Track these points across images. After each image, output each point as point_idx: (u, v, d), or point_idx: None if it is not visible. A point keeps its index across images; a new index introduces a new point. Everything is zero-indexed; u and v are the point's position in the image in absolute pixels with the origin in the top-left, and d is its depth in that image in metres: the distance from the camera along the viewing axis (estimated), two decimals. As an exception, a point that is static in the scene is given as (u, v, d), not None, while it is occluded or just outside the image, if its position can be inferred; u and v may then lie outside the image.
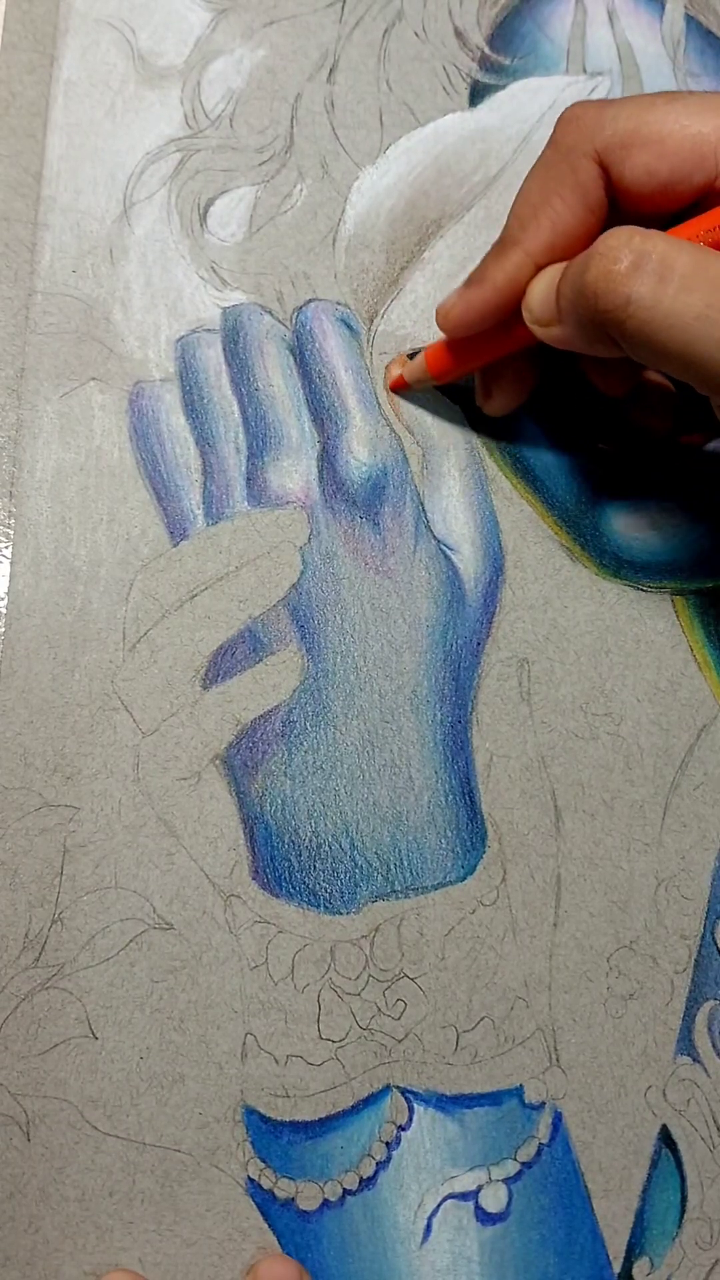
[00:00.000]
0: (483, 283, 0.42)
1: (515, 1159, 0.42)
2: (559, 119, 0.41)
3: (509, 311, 0.42)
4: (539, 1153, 0.42)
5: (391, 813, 0.44)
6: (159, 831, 0.43)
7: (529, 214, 0.41)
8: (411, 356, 0.48)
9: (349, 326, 0.48)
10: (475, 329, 0.43)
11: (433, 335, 0.48)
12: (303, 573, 0.45)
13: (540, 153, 0.41)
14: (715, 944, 0.45)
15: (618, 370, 0.45)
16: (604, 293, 0.37)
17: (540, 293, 0.41)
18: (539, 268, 0.41)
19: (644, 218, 0.40)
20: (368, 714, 0.44)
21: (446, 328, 0.44)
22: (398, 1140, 0.42)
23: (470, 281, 0.43)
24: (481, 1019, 0.43)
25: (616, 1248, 0.42)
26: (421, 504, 0.46)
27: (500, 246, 0.42)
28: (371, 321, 0.48)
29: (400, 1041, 0.42)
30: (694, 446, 0.48)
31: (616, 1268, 0.42)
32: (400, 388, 0.47)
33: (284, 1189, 0.41)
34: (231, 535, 0.45)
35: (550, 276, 0.41)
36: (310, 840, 0.43)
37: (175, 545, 0.45)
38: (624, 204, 0.40)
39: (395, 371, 0.47)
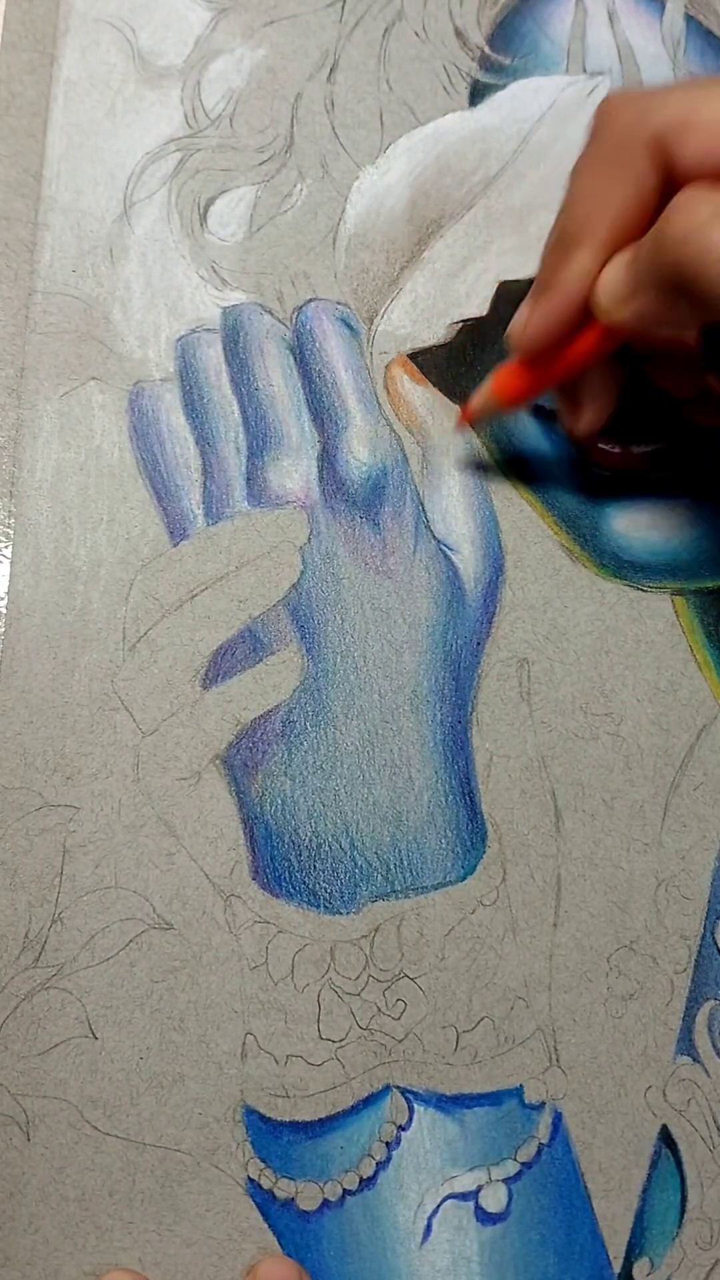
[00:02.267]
0: (553, 288, 0.41)
1: (515, 1159, 0.42)
2: (598, 111, 0.40)
3: (577, 313, 0.41)
4: (539, 1153, 0.42)
5: (391, 813, 0.44)
6: (159, 831, 0.43)
7: (587, 211, 0.40)
8: (411, 357, 0.48)
9: (349, 326, 0.48)
10: (554, 339, 0.42)
11: (433, 335, 0.48)
12: (303, 573, 0.45)
13: (585, 148, 0.40)
14: (715, 944, 0.45)
15: (688, 369, 0.44)
16: (685, 242, 0.36)
17: (611, 276, 0.40)
18: (599, 265, 0.40)
19: None
20: (368, 714, 0.44)
21: (524, 344, 0.42)
22: (398, 1140, 0.42)
23: (538, 291, 0.42)
24: (481, 1019, 0.43)
25: (616, 1248, 0.42)
26: (421, 504, 0.46)
27: (563, 248, 0.41)
28: (371, 321, 0.48)
29: (400, 1042, 0.42)
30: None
31: (616, 1268, 0.42)
32: (470, 420, 0.47)
33: (284, 1189, 0.41)
34: (231, 535, 0.45)
35: (619, 262, 0.40)
36: (310, 840, 0.43)
37: (175, 545, 0.45)
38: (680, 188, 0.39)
39: (396, 371, 0.47)
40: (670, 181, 0.39)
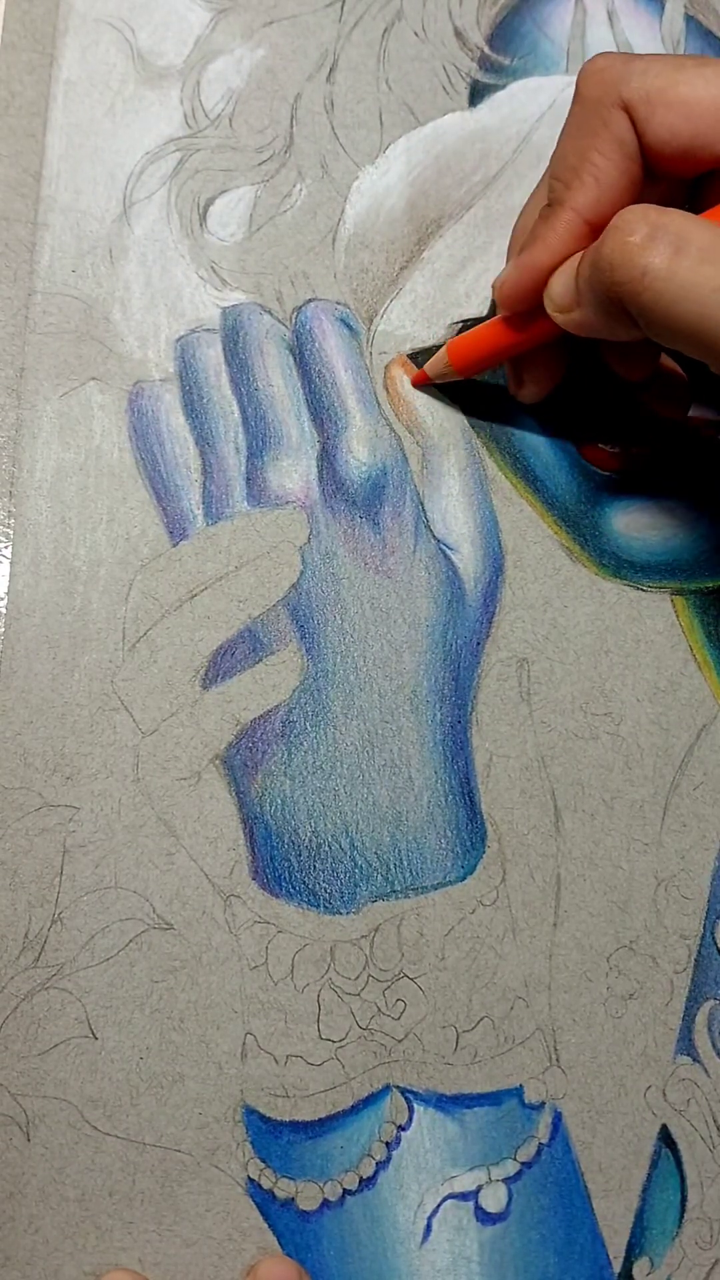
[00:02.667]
0: (536, 247, 0.42)
1: (515, 1159, 0.42)
2: (582, 71, 0.41)
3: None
4: (539, 1153, 0.42)
5: (391, 813, 0.44)
6: (159, 831, 0.43)
7: (570, 173, 0.40)
8: (412, 357, 0.48)
9: (349, 326, 0.48)
10: (534, 297, 0.42)
11: (432, 335, 0.48)
12: (302, 573, 0.45)
13: (569, 111, 0.41)
14: (715, 944, 0.45)
15: (637, 355, 0.44)
16: (620, 264, 0.37)
17: (561, 280, 0.41)
18: (589, 224, 0.40)
19: (668, 181, 0.40)
20: (367, 714, 0.44)
21: (506, 299, 0.43)
22: (397, 1140, 0.42)
23: (523, 249, 0.42)
24: (481, 1019, 0.43)
25: (616, 1248, 0.42)
26: (421, 504, 0.46)
27: (548, 210, 0.41)
28: (371, 321, 0.48)
29: (400, 1041, 0.42)
30: (699, 427, 0.48)
31: (616, 1268, 0.42)
32: (421, 383, 0.47)
33: (284, 1189, 0.41)
34: (231, 535, 0.45)
35: (571, 265, 0.41)
36: (310, 840, 0.43)
37: (175, 545, 0.45)
38: (648, 162, 0.40)
39: (396, 371, 0.47)
40: (644, 152, 0.39)
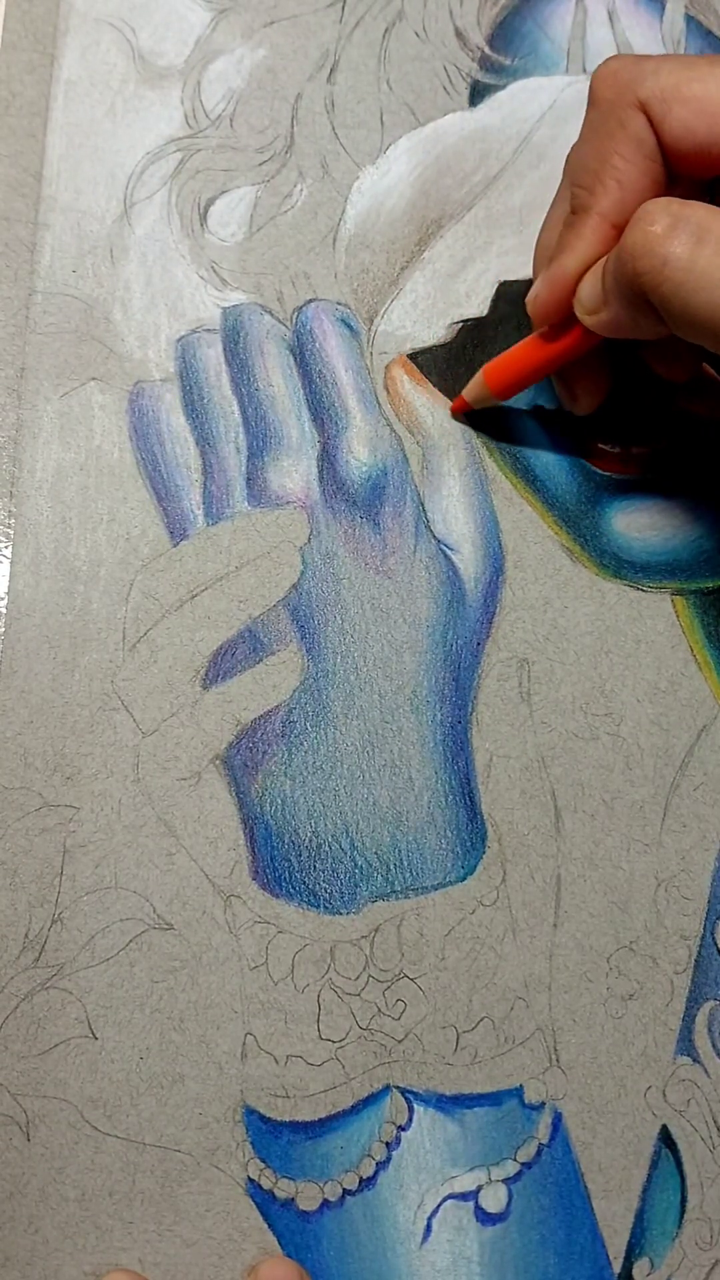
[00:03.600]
0: (564, 255, 0.42)
1: (515, 1159, 0.42)
2: (594, 75, 0.41)
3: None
4: (539, 1153, 0.42)
5: (391, 813, 0.44)
6: (159, 831, 0.43)
7: (592, 178, 0.40)
8: (412, 357, 0.48)
9: (349, 326, 0.48)
10: (567, 307, 0.42)
11: (433, 335, 0.48)
12: (303, 573, 0.45)
13: (585, 117, 0.41)
14: (715, 944, 0.45)
15: (679, 355, 0.45)
16: (642, 253, 0.37)
17: (589, 282, 0.41)
18: (615, 228, 0.40)
19: (686, 182, 0.40)
20: (368, 714, 0.44)
21: (539, 313, 0.43)
22: (398, 1140, 0.42)
23: (551, 260, 0.42)
24: (481, 1019, 0.43)
25: (616, 1248, 0.42)
26: (421, 504, 0.46)
27: (573, 218, 0.41)
28: (371, 321, 0.48)
29: (400, 1042, 0.42)
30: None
31: (616, 1268, 0.42)
32: (462, 409, 0.47)
33: (284, 1189, 0.41)
34: (231, 535, 0.45)
35: (598, 267, 0.41)
36: (310, 840, 0.43)
37: (175, 545, 0.45)
38: (667, 162, 0.40)
39: (396, 371, 0.47)
40: (662, 150, 0.39)
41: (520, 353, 0.45)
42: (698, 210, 0.37)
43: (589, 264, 0.41)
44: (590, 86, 0.41)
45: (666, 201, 0.37)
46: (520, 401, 0.47)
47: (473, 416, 0.47)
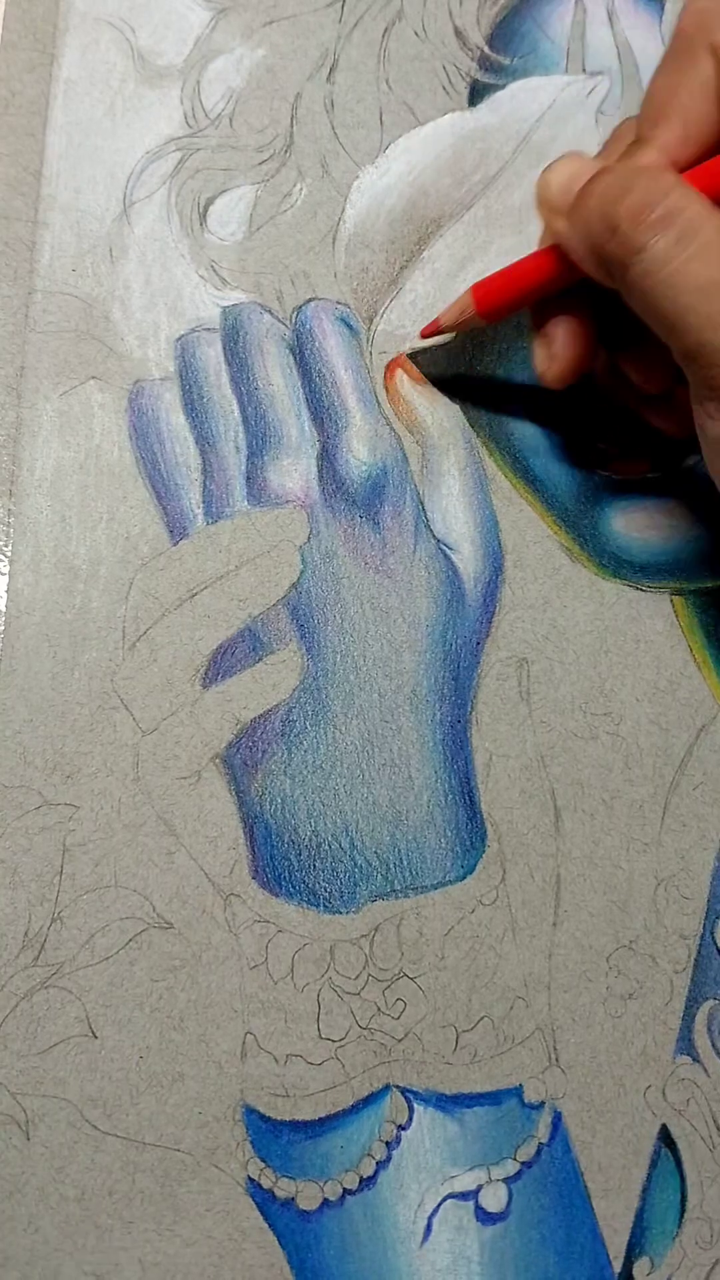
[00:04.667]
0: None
1: (515, 1159, 0.42)
2: (685, 9, 0.40)
3: None
4: (539, 1152, 0.42)
5: (391, 812, 0.44)
6: (159, 830, 0.43)
7: (658, 111, 0.40)
8: (411, 357, 0.48)
9: (349, 326, 0.48)
10: None
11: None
12: (302, 572, 0.45)
13: (668, 45, 0.41)
14: (715, 944, 0.45)
15: (655, 367, 0.44)
16: (626, 230, 0.37)
17: (564, 179, 0.40)
18: (677, 166, 0.40)
19: None
20: (367, 713, 0.44)
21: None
22: (398, 1140, 0.42)
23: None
24: (481, 1019, 0.43)
25: (617, 1247, 0.42)
26: (421, 503, 0.46)
27: (634, 146, 0.41)
28: (371, 321, 0.48)
29: (400, 1041, 0.42)
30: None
31: (617, 1268, 0.42)
32: (433, 333, 0.46)
33: (284, 1189, 0.41)
34: (231, 534, 0.45)
35: (577, 166, 0.40)
36: (310, 839, 0.43)
37: (175, 544, 0.45)
38: None
39: (396, 371, 0.47)
40: None
41: (515, 271, 0.44)
42: (694, 205, 0.37)
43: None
44: (680, 15, 0.40)
45: (669, 184, 0.37)
46: (520, 401, 0.47)
47: (472, 416, 0.47)
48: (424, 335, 0.47)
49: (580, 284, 0.41)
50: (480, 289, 0.44)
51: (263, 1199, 0.41)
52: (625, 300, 0.39)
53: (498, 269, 0.44)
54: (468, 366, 0.48)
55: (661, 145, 0.40)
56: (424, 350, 0.48)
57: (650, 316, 0.38)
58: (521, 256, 0.43)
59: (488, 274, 0.45)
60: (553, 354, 0.44)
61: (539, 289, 0.43)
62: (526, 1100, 0.42)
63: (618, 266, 0.38)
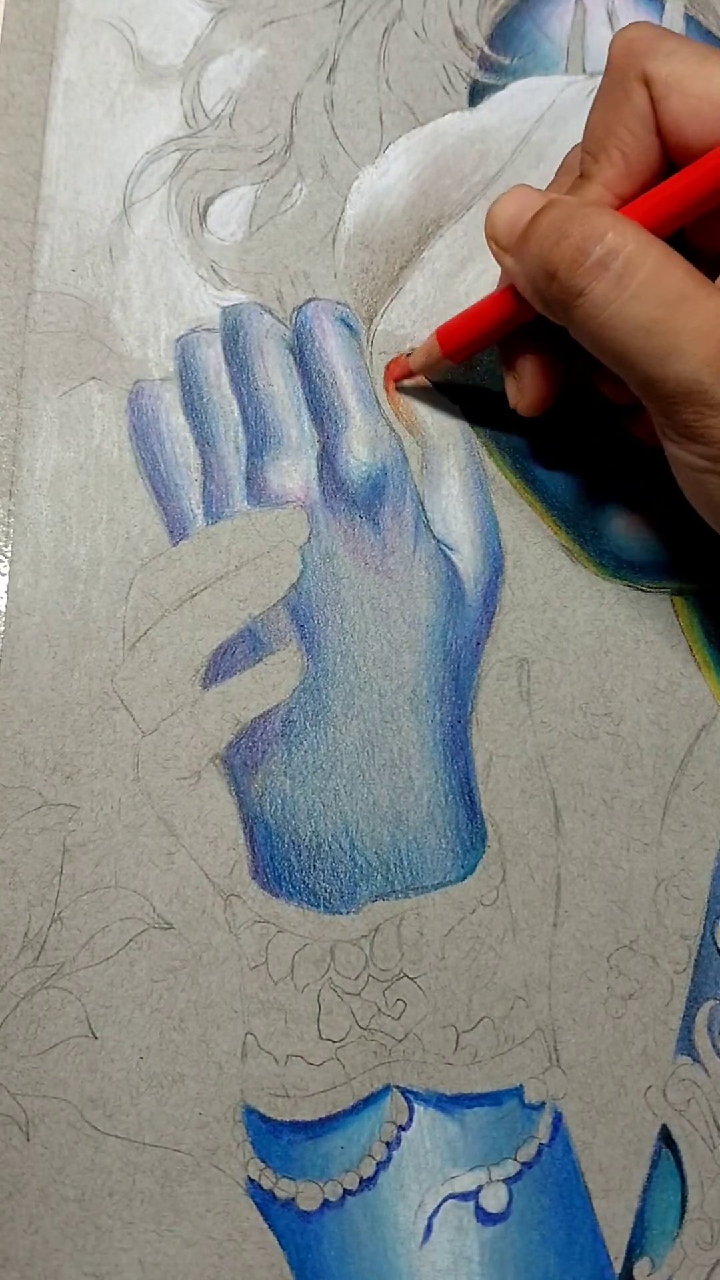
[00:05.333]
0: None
1: (515, 1159, 0.42)
2: (614, 40, 0.40)
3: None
4: (539, 1153, 0.42)
5: (391, 812, 0.44)
6: (159, 831, 0.43)
7: (598, 146, 0.40)
8: (410, 357, 0.48)
9: (349, 326, 0.48)
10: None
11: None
12: (302, 572, 0.45)
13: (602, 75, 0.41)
14: (715, 944, 0.45)
15: (535, 391, 0.45)
16: (564, 277, 0.37)
17: (508, 216, 0.40)
18: (620, 200, 0.40)
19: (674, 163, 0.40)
20: (367, 714, 0.44)
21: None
22: (398, 1140, 0.42)
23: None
24: (481, 1019, 0.43)
25: (617, 1248, 0.42)
26: (421, 504, 0.46)
27: (580, 182, 0.41)
28: (371, 321, 0.48)
29: (400, 1041, 0.42)
30: None
31: (617, 1268, 0.42)
32: (404, 377, 0.47)
33: (284, 1189, 0.41)
34: (231, 535, 0.45)
35: (520, 203, 0.40)
36: (310, 840, 0.43)
37: (175, 544, 0.45)
38: (666, 149, 0.40)
39: (396, 372, 0.47)
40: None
41: (474, 312, 0.44)
42: (629, 243, 0.36)
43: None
44: (610, 47, 0.40)
45: (605, 226, 0.37)
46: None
47: (471, 415, 0.47)
48: (395, 380, 0.47)
49: (539, 317, 0.42)
50: (443, 332, 0.45)
51: (263, 1199, 0.41)
52: (574, 337, 0.39)
53: (470, 305, 0.44)
54: (467, 367, 0.48)
55: (604, 181, 0.40)
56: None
57: (599, 354, 0.38)
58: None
59: (486, 274, 0.45)
60: (522, 388, 0.45)
61: (499, 327, 0.44)
62: (527, 1101, 0.42)
63: (560, 310, 0.38)
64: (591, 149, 0.40)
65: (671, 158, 0.40)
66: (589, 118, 0.41)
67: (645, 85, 0.39)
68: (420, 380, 0.47)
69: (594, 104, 0.41)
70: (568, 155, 0.44)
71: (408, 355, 0.47)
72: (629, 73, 0.39)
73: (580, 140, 0.42)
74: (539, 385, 0.45)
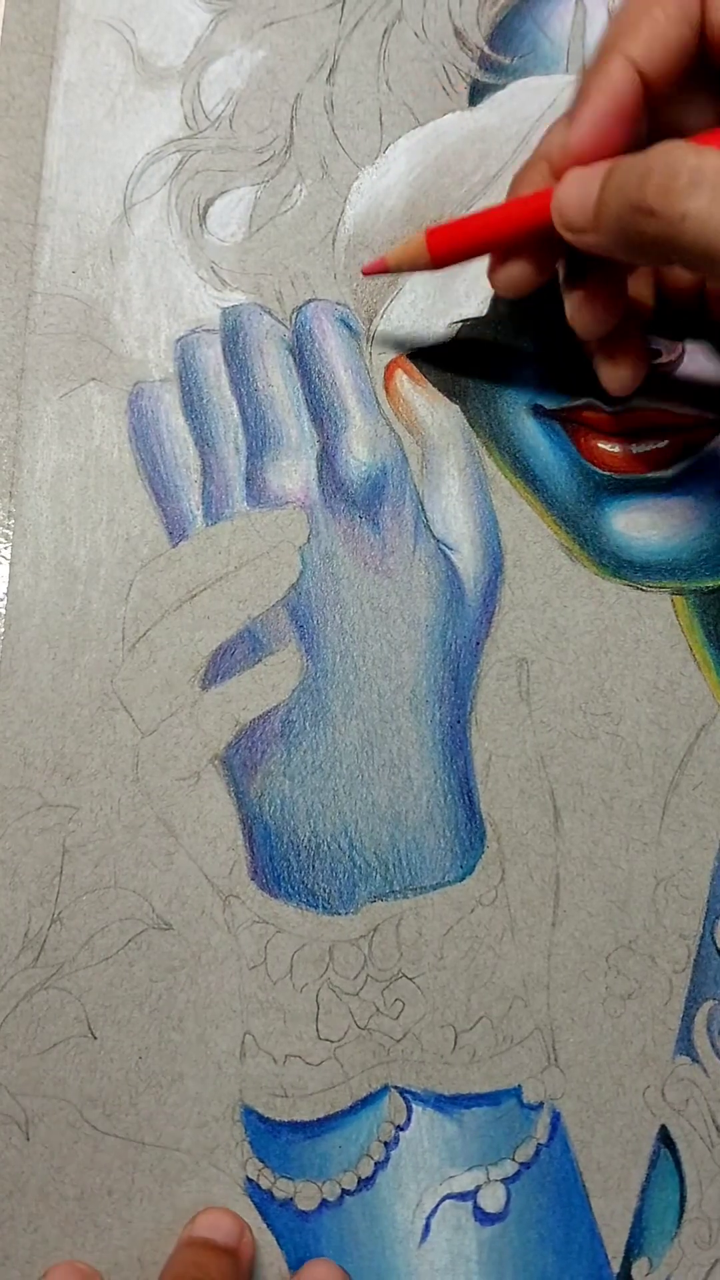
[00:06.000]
0: (587, 97, 0.40)
1: (514, 1159, 0.42)
2: None
3: (621, 120, 0.40)
4: (537, 1153, 0.42)
5: (390, 813, 0.44)
6: (158, 831, 0.43)
7: (629, 21, 0.40)
8: (411, 357, 0.48)
9: (348, 326, 0.48)
10: (602, 143, 0.40)
11: (432, 335, 0.48)
12: (302, 573, 0.45)
13: None
14: (714, 943, 0.45)
15: (603, 309, 0.43)
16: (661, 209, 0.37)
17: (575, 197, 0.40)
18: (640, 73, 0.39)
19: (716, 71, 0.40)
20: (367, 714, 0.44)
21: (575, 147, 0.41)
22: (396, 1140, 0.42)
23: (576, 103, 0.41)
24: (480, 1019, 0.43)
25: (615, 1247, 0.42)
26: (421, 504, 0.46)
27: (598, 56, 0.40)
28: (371, 321, 0.48)
29: (399, 1041, 0.42)
30: (668, 368, 0.48)
31: (615, 1267, 0.42)
32: (378, 271, 0.45)
33: (282, 1189, 0.41)
34: (231, 535, 0.45)
35: (583, 181, 0.40)
36: (309, 840, 0.43)
37: (175, 545, 0.45)
38: (704, 46, 0.39)
39: (395, 372, 0.47)
40: (705, 32, 0.39)
41: (477, 219, 0.43)
42: (712, 158, 0.36)
43: (616, 107, 0.40)
44: None
45: (683, 151, 0.37)
46: (520, 400, 0.47)
47: (472, 416, 0.47)
48: (366, 273, 0.46)
49: (542, 234, 0.41)
50: (435, 234, 0.43)
51: (261, 1199, 0.41)
52: (684, 266, 0.38)
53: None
54: (468, 367, 0.48)
55: (626, 52, 0.39)
56: (424, 350, 0.48)
57: (714, 265, 0.37)
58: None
59: (485, 275, 0.45)
60: (581, 304, 0.43)
61: (497, 243, 0.43)
62: (525, 1100, 0.42)
63: (666, 242, 0.37)
64: (622, 22, 0.40)
65: (713, 60, 0.39)
66: (623, 3, 0.40)
67: None
68: (417, 377, 0.47)
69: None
70: (550, 129, 0.43)
71: (409, 357, 0.47)
72: None
73: (560, 118, 0.42)
74: (527, 274, 0.43)
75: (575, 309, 0.43)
